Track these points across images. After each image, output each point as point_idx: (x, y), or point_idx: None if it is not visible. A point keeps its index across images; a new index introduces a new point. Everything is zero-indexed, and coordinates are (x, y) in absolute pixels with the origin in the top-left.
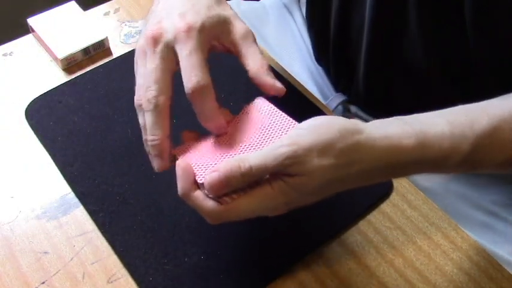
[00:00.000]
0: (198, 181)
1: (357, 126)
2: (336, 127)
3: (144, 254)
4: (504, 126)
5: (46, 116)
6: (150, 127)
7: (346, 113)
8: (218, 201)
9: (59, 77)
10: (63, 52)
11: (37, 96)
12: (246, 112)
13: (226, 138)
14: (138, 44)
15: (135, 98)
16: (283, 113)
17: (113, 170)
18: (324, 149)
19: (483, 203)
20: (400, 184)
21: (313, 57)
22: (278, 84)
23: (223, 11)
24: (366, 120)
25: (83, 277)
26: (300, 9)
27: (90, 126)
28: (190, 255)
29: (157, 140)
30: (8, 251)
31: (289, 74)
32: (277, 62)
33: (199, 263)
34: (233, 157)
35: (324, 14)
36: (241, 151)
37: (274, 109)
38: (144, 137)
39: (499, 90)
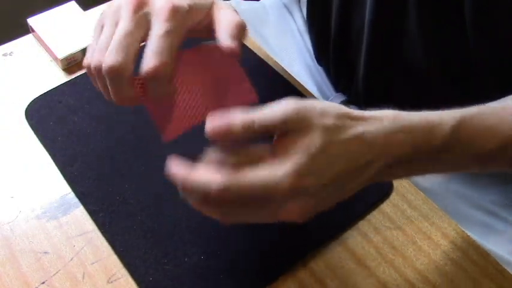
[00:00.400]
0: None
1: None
2: (336, 106)
3: (144, 254)
4: (491, 116)
5: (46, 116)
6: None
7: None
8: None
9: (59, 77)
10: (63, 52)
11: (37, 96)
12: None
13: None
14: (115, 1)
15: (87, 56)
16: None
17: (113, 170)
18: (324, 111)
19: (483, 203)
20: (400, 184)
21: (313, 57)
22: (232, 45)
23: None
24: None
25: (83, 277)
26: (300, 9)
27: (90, 126)
28: (190, 255)
29: (119, 62)
30: (8, 251)
31: (289, 74)
32: (277, 62)
33: (199, 263)
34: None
35: (325, 14)
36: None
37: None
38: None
39: (499, 90)
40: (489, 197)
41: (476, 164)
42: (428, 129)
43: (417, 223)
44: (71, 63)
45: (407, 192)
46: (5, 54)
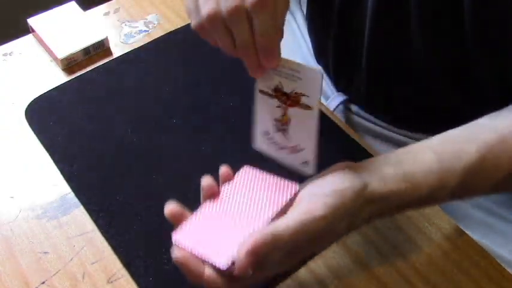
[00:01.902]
0: (221, 267)
1: (363, 182)
2: (350, 191)
3: (144, 254)
4: (490, 156)
5: (46, 116)
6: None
7: (347, 112)
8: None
9: (59, 77)
10: (63, 52)
11: (37, 96)
12: (236, 182)
13: (227, 212)
14: None
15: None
16: (276, 176)
17: (113, 170)
18: (342, 216)
19: (484, 203)
20: None
21: (313, 57)
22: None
23: None
24: (367, 120)
25: (83, 277)
26: (301, 9)
27: (90, 126)
28: None
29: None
30: (8, 251)
31: None
32: None
33: None
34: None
35: (325, 14)
36: (248, 224)
37: (264, 174)
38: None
39: (498, 93)
40: (490, 197)
41: (484, 195)
42: (430, 195)
43: (417, 223)
44: (71, 63)
45: None
46: (5, 54)
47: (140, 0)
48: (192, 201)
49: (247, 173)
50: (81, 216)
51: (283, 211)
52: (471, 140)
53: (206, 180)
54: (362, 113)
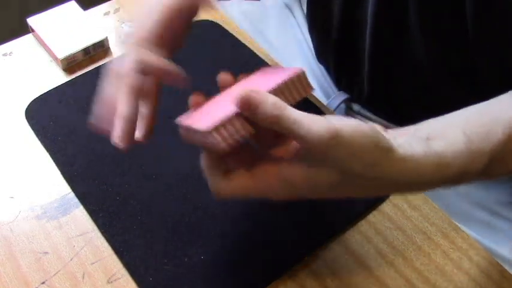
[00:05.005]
0: (204, 128)
1: (389, 143)
2: (375, 140)
3: (144, 254)
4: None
5: (46, 116)
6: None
7: (349, 112)
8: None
9: (59, 77)
10: (63, 52)
11: (37, 96)
12: (249, 76)
13: (230, 94)
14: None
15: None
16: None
17: (113, 170)
18: (356, 154)
19: (485, 202)
20: None
21: (314, 56)
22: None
23: None
24: (369, 119)
25: (83, 277)
26: (302, 8)
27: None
28: (190, 255)
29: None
30: (8, 251)
31: None
32: (278, 61)
33: (199, 263)
34: None
35: (326, 13)
36: None
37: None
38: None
39: (500, 87)
40: (492, 196)
41: (508, 175)
42: (459, 175)
43: (417, 223)
44: (71, 63)
45: None
46: (5, 54)
47: (140, 0)
48: (192, 202)
49: (263, 69)
50: (81, 216)
51: (286, 96)
52: (497, 121)
53: (222, 76)
54: (364, 112)
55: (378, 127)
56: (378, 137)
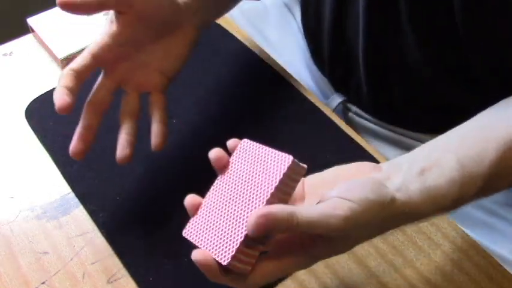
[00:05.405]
0: (222, 263)
1: (390, 194)
2: (381, 201)
3: (144, 254)
4: (508, 153)
5: (46, 116)
6: None
7: (347, 113)
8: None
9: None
10: (63, 52)
11: (37, 96)
12: (236, 160)
13: (228, 197)
14: None
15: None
16: (273, 150)
17: (113, 170)
18: (371, 223)
19: (484, 202)
20: None
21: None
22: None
23: None
24: (367, 119)
25: (83, 277)
26: None
27: None
28: (190, 255)
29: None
30: (8, 251)
31: (289, 74)
32: (276, 61)
33: None
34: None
35: (318, 17)
36: (249, 209)
37: (262, 148)
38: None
39: (498, 89)
40: (491, 196)
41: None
42: (452, 203)
43: (417, 223)
44: None
45: None
46: (5, 54)
47: None
48: None
49: (246, 148)
50: (81, 216)
51: (285, 190)
52: (488, 139)
53: (214, 153)
54: (361, 112)
55: (376, 172)
56: (381, 194)
